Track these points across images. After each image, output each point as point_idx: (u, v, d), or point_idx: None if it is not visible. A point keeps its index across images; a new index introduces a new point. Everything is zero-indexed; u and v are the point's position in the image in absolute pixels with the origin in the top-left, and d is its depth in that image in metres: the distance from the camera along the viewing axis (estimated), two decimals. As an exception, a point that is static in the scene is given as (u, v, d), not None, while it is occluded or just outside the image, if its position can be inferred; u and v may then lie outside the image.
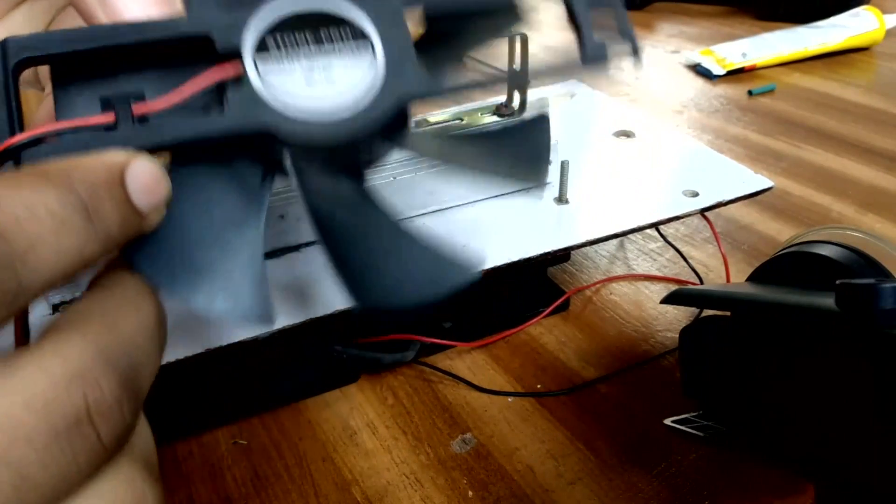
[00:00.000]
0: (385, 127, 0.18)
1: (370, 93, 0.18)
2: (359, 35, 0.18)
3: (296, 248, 0.32)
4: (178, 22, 0.16)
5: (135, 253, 0.15)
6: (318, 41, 0.18)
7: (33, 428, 0.12)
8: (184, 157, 0.17)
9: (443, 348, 0.34)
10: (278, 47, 0.17)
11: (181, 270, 0.16)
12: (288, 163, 0.17)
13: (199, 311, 0.16)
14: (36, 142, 0.15)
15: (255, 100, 0.17)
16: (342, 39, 0.18)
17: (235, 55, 0.17)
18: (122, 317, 0.14)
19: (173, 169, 0.16)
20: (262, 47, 0.17)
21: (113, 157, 0.14)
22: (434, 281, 0.19)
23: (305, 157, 0.18)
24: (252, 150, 0.18)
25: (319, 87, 0.17)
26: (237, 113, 0.16)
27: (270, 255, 0.32)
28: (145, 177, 0.14)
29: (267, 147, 0.17)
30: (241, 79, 0.17)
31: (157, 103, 0.16)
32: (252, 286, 0.17)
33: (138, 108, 0.16)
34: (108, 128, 0.16)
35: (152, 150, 0.16)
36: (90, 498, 0.13)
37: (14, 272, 0.12)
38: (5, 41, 0.15)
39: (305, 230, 0.32)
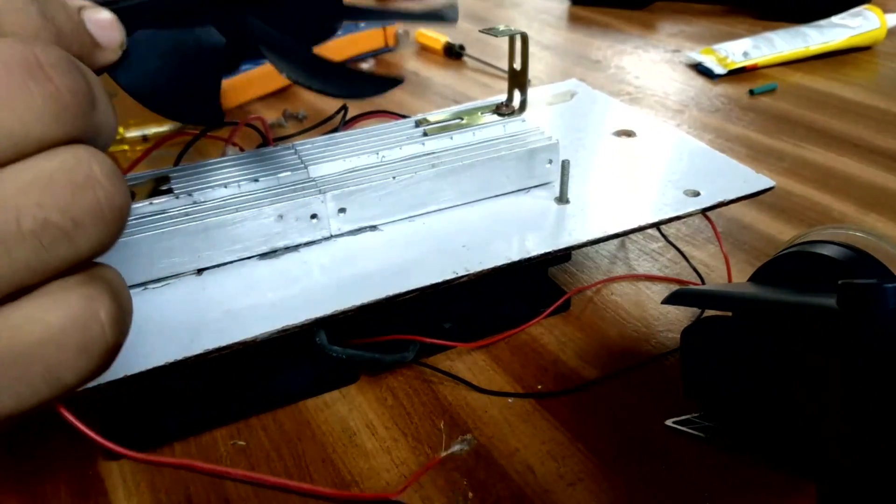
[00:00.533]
0: None
1: None
2: None
3: (295, 248, 0.32)
4: None
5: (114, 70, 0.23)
6: None
7: None
8: (166, 21, 0.24)
9: (443, 349, 0.34)
10: None
11: (150, 88, 0.24)
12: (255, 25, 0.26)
13: (157, 113, 0.25)
14: None
15: None
16: None
17: None
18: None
19: (156, 30, 0.24)
20: None
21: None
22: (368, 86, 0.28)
23: (266, 20, 0.27)
24: (218, 19, 0.26)
25: None
26: None
27: (270, 254, 0.32)
28: (99, 17, 0.20)
29: (231, 16, 0.26)
30: None
31: None
32: (205, 103, 0.26)
33: None
34: None
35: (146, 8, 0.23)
36: (41, 160, 0.16)
37: None
38: None
39: (304, 230, 0.32)
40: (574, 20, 0.88)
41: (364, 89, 0.28)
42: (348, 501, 0.28)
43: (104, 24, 0.20)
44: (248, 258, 0.31)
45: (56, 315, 0.16)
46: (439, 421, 0.31)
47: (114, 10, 0.22)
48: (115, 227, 0.17)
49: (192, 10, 0.25)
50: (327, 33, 0.30)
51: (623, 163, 0.38)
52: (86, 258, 0.17)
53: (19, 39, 0.16)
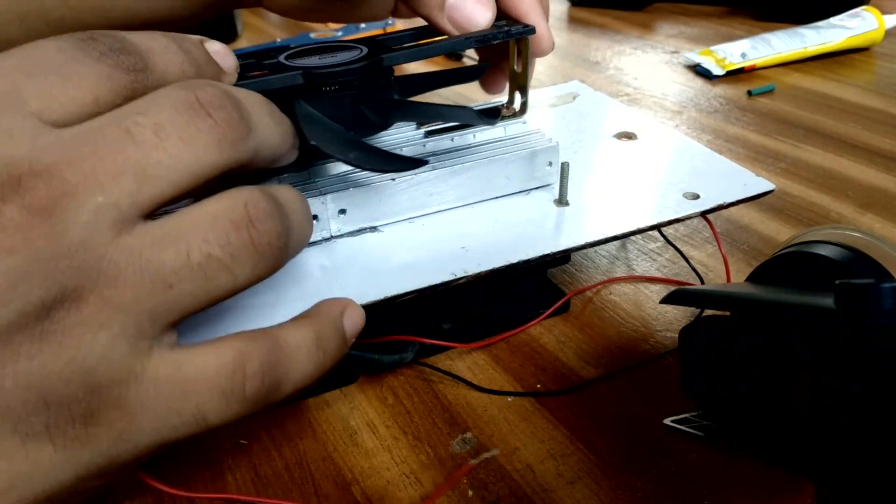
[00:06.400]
0: (369, 71, 0.30)
1: (357, 56, 0.30)
2: (353, 47, 0.31)
3: (296, 248, 0.32)
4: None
5: None
6: (329, 51, 0.31)
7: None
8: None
9: (443, 349, 0.34)
10: (302, 56, 0.31)
11: None
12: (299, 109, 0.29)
13: None
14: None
15: (284, 66, 0.30)
16: (344, 49, 0.31)
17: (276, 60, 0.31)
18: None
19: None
20: (292, 56, 0.31)
21: None
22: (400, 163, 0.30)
23: (314, 104, 0.30)
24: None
25: (326, 59, 0.30)
26: (276, 73, 0.29)
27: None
28: (215, 47, 0.23)
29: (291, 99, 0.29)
30: (280, 63, 0.30)
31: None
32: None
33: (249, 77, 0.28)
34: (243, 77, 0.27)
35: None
36: (208, 202, 0.20)
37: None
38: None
39: (306, 231, 0.32)
40: (573, 21, 0.89)
41: (393, 166, 0.31)
42: None
43: (221, 52, 0.23)
44: (250, 259, 0.32)
45: (207, 360, 0.19)
46: (439, 420, 0.31)
47: None
48: (269, 260, 0.20)
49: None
50: (378, 129, 0.33)
51: (623, 165, 0.39)
52: (243, 287, 0.20)
53: (180, 85, 0.19)
